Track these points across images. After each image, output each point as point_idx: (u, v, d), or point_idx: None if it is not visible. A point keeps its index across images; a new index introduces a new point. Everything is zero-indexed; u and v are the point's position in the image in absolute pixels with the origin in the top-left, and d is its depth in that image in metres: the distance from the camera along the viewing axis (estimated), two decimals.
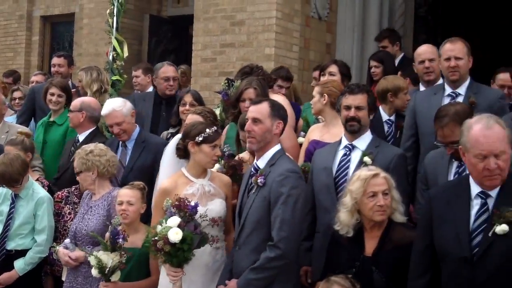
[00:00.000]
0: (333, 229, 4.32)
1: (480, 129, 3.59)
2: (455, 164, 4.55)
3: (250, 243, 4.43)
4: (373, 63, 7.29)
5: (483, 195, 3.65)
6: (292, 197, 4.33)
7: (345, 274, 4.12)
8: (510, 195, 3.58)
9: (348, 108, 4.80)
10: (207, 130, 4.74)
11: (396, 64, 7.61)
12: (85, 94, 7.27)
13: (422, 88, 6.10)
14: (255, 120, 4.49)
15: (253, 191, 4.48)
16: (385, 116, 5.90)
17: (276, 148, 4.54)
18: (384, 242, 4.16)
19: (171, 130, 6.32)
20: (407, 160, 5.06)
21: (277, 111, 4.52)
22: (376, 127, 5.62)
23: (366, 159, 4.72)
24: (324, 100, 5.38)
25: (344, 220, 4.23)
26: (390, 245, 4.14)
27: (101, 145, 5.51)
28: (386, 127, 5.85)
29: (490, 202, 3.64)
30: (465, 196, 3.71)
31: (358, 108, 4.77)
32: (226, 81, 6.29)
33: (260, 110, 4.51)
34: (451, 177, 4.51)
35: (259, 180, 4.43)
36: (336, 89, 5.36)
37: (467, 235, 3.63)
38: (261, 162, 4.52)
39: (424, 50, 6.13)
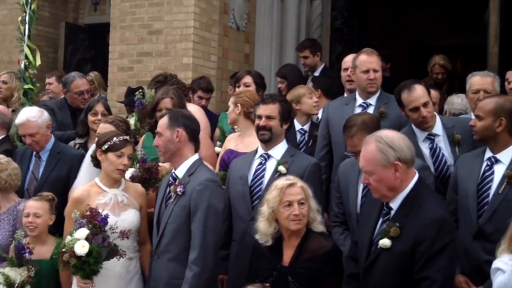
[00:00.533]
0: (254, 238, 4.35)
1: (363, 145, 3.83)
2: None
3: (169, 252, 4.42)
4: (278, 79, 7.37)
5: (387, 208, 3.80)
6: (212, 208, 4.34)
7: (262, 283, 4.14)
8: (407, 209, 3.70)
9: (259, 117, 4.87)
10: (114, 138, 4.72)
11: (318, 74, 7.75)
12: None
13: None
14: (158, 134, 4.57)
15: (172, 200, 4.47)
16: (298, 126, 5.99)
17: (194, 157, 4.56)
18: (301, 251, 4.19)
19: (78, 141, 6.19)
20: (321, 169, 5.15)
21: (175, 120, 4.54)
22: (289, 136, 5.72)
23: (281, 168, 4.79)
24: (238, 110, 5.42)
25: (262, 229, 4.26)
26: (307, 254, 4.18)
27: (2, 159, 5.35)
28: (298, 136, 5.94)
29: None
30: (378, 205, 3.87)
31: (268, 117, 4.83)
32: (140, 90, 6.23)
33: (160, 124, 4.59)
34: (360, 186, 4.61)
35: (178, 189, 4.43)
36: (249, 99, 5.41)
37: (368, 244, 3.80)
38: (180, 172, 4.52)
39: (350, 60, 6.17)
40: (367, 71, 5.35)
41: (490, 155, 4.43)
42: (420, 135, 4.91)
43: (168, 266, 4.40)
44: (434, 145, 4.88)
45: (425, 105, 4.85)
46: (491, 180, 4.38)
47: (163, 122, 4.58)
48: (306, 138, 5.97)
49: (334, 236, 4.77)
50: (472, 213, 4.36)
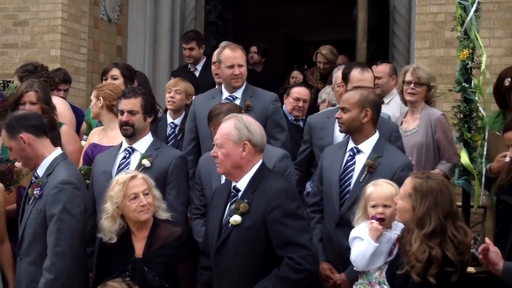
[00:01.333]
0: (98, 238, 4.35)
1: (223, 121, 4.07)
2: None
3: (29, 255, 4.33)
4: None
5: (235, 190, 3.95)
6: (66, 212, 4.22)
7: (122, 277, 4.14)
8: (254, 186, 3.87)
9: (121, 112, 4.81)
10: None
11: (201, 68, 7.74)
12: None
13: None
14: (7, 148, 4.51)
15: (31, 201, 4.36)
16: (169, 119, 5.98)
17: (55, 154, 4.43)
18: (152, 241, 4.24)
19: None
20: (189, 163, 5.13)
21: (12, 129, 4.39)
22: (158, 130, 5.73)
23: (145, 161, 4.77)
24: (100, 103, 5.35)
25: (106, 227, 4.25)
26: (160, 242, 4.24)
27: None
28: (168, 130, 5.91)
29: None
30: (228, 191, 3.99)
31: (130, 112, 4.78)
32: (1, 82, 5.96)
33: (3, 138, 4.49)
34: (223, 177, 4.55)
35: (35, 192, 4.33)
36: (112, 92, 5.33)
37: (218, 227, 3.94)
38: (40, 171, 4.40)
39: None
40: (231, 66, 5.36)
41: (352, 146, 4.59)
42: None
43: (28, 269, 4.32)
44: None
45: None
46: (353, 170, 4.54)
47: (3, 135, 4.47)
48: (176, 132, 5.94)
49: (195, 228, 4.79)
50: (335, 201, 4.51)
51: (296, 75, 8.56)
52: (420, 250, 3.53)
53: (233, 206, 3.86)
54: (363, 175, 4.47)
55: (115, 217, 4.23)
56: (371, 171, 4.45)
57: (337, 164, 4.59)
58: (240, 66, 5.37)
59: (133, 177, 4.25)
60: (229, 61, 5.36)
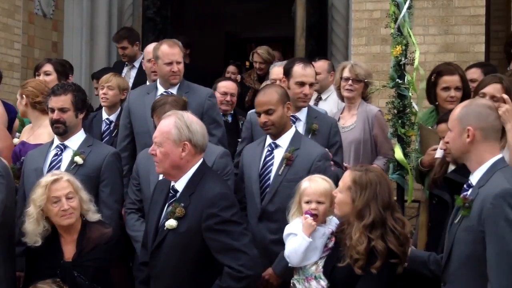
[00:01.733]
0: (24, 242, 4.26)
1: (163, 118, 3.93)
2: None
3: None
4: None
5: (173, 191, 3.85)
6: None
7: (52, 278, 4.07)
8: (192, 189, 3.77)
9: (52, 110, 4.74)
10: None
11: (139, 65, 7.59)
12: None
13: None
14: None
15: None
16: (104, 115, 5.90)
17: None
18: (82, 244, 4.18)
19: None
20: (123, 160, 5.10)
21: None
22: (93, 126, 5.70)
23: (77, 158, 4.72)
24: (24, 101, 5.27)
25: (30, 230, 4.17)
26: (90, 245, 4.17)
27: None
28: (103, 126, 5.84)
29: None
30: (167, 188, 3.89)
31: (61, 110, 4.72)
32: None
33: None
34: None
35: None
36: (35, 89, 5.27)
37: (155, 228, 3.84)
38: None
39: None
40: (170, 63, 5.30)
41: (270, 141, 4.65)
42: None
43: None
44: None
45: (311, 85, 5.02)
46: (272, 164, 4.60)
47: None
48: (111, 128, 5.86)
49: (129, 222, 4.74)
50: (256, 196, 4.56)
51: (232, 70, 8.53)
52: (359, 241, 3.56)
53: (170, 208, 3.77)
54: (282, 168, 4.53)
55: (39, 220, 4.13)
56: (289, 164, 4.52)
57: (256, 160, 4.65)
58: (178, 63, 5.33)
59: (56, 180, 4.15)
60: (167, 57, 5.30)
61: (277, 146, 4.62)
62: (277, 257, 4.35)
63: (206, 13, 11.88)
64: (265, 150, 4.64)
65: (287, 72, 5.10)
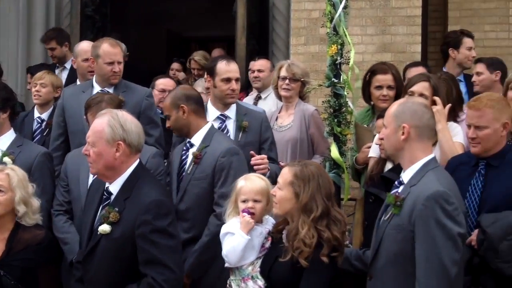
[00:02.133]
0: None
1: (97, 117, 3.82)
2: None
3: None
4: None
5: (107, 193, 3.73)
6: None
7: None
8: (127, 193, 3.65)
9: None
10: None
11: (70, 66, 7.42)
12: None
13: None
14: None
15: None
16: (36, 114, 5.83)
17: None
18: (12, 244, 4.13)
19: None
20: (56, 159, 5.01)
21: None
22: (24, 125, 5.65)
23: (6, 159, 4.64)
24: None
25: None
26: (20, 246, 4.13)
27: None
28: (35, 125, 5.77)
29: None
30: (102, 189, 3.78)
31: None
32: None
33: None
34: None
35: None
36: None
37: (89, 230, 3.74)
38: None
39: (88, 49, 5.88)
40: (111, 63, 5.24)
41: (187, 141, 4.69)
42: (213, 113, 4.99)
43: None
44: (223, 126, 4.98)
45: (237, 80, 4.98)
46: (186, 163, 4.63)
47: None
48: (43, 127, 5.78)
49: (57, 224, 4.65)
50: (173, 196, 4.57)
51: (176, 67, 8.45)
52: (309, 235, 3.55)
53: (104, 212, 3.65)
54: (191, 167, 4.55)
55: None
56: (197, 162, 4.54)
57: (176, 160, 4.69)
58: (119, 63, 5.29)
59: None
60: (109, 57, 5.25)
61: (192, 145, 4.64)
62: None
63: (147, 11, 11.74)
64: (184, 149, 4.68)
65: (211, 71, 5.04)
